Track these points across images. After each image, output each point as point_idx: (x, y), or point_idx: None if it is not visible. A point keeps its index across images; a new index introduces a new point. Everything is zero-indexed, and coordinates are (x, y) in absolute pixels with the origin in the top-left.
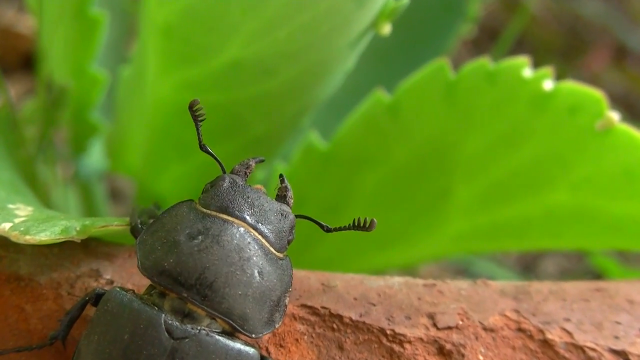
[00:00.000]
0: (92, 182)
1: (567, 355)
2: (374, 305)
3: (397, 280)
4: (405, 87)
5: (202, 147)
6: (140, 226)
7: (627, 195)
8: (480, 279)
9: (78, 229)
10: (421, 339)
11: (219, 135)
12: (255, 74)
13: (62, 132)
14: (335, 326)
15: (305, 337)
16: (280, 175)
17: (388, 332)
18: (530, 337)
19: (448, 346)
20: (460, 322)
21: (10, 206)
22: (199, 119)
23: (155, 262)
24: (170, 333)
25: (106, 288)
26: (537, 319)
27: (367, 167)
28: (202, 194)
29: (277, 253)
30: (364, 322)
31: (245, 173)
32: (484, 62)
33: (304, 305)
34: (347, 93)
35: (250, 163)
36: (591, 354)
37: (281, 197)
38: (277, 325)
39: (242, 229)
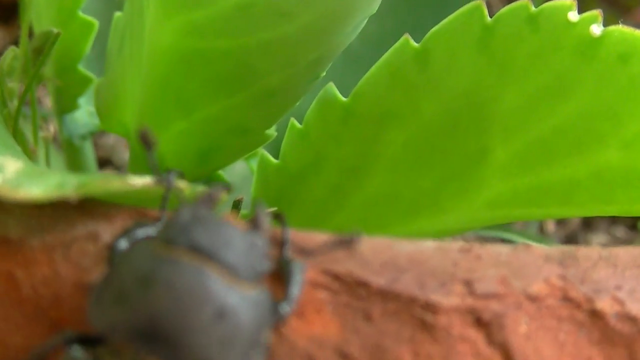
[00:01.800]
0: (79, 143)
1: (618, 326)
2: (405, 271)
3: (429, 244)
4: (434, 33)
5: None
6: (113, 260)
7: None
8: (522, 243)
9: (75, 184)
10: (457, 308)
11: (227, 87)
12: (268, 17)
13: (44, 88)
14: (361, 294)
15: (328, 306)
16: (255, 201)
17: (420, 300)
18: (578, 306)
19: (486, 316)
20: (500, 290)
21: (0, 158)
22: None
23: (105, 316)
24: None
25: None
26: (586, 287)
27: (393, 124)
28: (159, 231)
29: (245, 287)
30: (393, 290)
31: (210, 201)
32: (525, 3)
33: (326, 271)
34: (367, 44)
35: (214, 193)
36: None
37: (253, 224)
38: None
39: (199, 268)
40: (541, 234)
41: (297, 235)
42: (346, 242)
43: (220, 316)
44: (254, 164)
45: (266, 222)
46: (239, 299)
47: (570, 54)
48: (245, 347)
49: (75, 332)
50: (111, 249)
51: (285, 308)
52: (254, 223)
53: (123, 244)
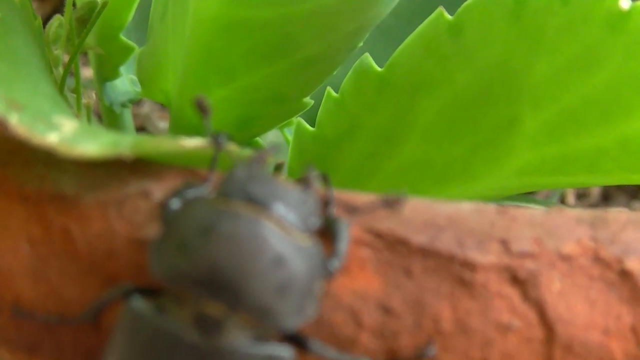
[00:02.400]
0: (120, 110)
1: None
2: (444, 230)
3: (467, 205)
4: (468, 6)
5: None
6: (167, 217)
7: None
8: (555, 206)
9: (129, 144)
10: (494, 266)
11: (268, 56)
12: None
13: (84, 57)
14: (402, 252)
15: (371, 263)
16: (308, 167)
17: (459, 258)
18: (608, 266)
19: (522, 274)
20: (535, 249)
21: (56, 119)
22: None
23: (167, 266)
24: (196, 350)
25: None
26: (616, 248)
27: (426, 94)
28: (217, 186)
29: (299, 239)
30: (433, 248)
31: (261, 162)
32: None
33: (368, 229)
34: (400, 18)
35: (262, 155)
36: None
37: (303, 181)
38: (309, 314)
39: (256, 218)
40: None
41: (342, 194)
42: (392, 203)
43: (278, 263)
44: (288, 133)
45: (316, 181)
46: (294, 248)
47: (599, 26)
48: (300, 296)
49: (132, 284)
50: (164, 207)
51: (335, 264)
52: (304, 182)
53: (176, 202)
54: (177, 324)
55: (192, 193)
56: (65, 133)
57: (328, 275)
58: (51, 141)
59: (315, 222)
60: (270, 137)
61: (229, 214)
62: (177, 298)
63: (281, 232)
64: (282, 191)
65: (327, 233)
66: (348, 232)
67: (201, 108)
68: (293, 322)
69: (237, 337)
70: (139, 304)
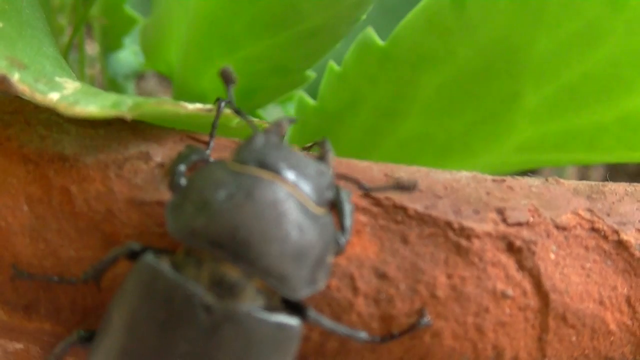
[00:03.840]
0: (123, 82)
1: None
2: (440, 198)
3: (464, 174)
4: None
5: (232, 106)
6: (178, 181)
7: None
8: (552, 177)
9: (130, 104)
10: (490, 234)
11: (271, 27)
12: None
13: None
14: (399, 218)
15: (368, 228)
16: (323, 139)
17: (455, 225)
18: (605, 237)
19: (518, 242)
20: (531, 219)
21: (58, 79)
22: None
23: (186, 225)
24: (209, 311)
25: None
26: (612, 219)
27: (428, 68)
28: (234, 153)
29: (315, 209)
30: (429, 215)
31: (279, 131)
32: None
33: (366, 196)
34: None
35: (283, 122)
36: None
37: (320, 158)
38: (322, 285)
39: (277, 184)
40: None
41: (352, 164)
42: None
43: (298, 231)
44: (290, 108)
45: (331, 154)
46: (312, 218)
47: (601, 2)
48: (315, 265)
49: (139, 243)
50: (173, 171)
51: (342, 239)
52: (320, 155)
53: (182, 167)
54: (192, 282)
55: (197, 157)
56: (67, 92)
57: (338, 249)
58: (52, 99)
59: (329, 195)
60: (274, 115)
61: (252, 179)
62: (193, 258)
63: (301, 201)
64: (299, 161)
65: (333, 204)
66: (351, 204)
67: (226, 78)
68: (305, 291)
69: (251, 303)
70: (155, 260)
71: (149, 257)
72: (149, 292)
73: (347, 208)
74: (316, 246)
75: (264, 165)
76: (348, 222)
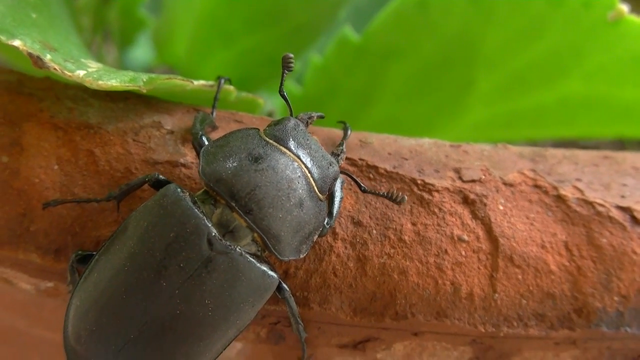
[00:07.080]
0: None
1: (578, 209)
2: (406, 159)
3: (427, 140)
4: None
5: (281, 92)
6: (201, 136)
7: (636, 82)
8: (501, 143)
9: (145, 79)
10: (448, 189)
11: (263, 23)
12: None
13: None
14: (371, 176)
15: (345, 184)
16: (342, 144)
17: (419, 182)
18: (546, 192)
19: (472, 196)
20: (483, 177)
21: (83, 60)
22: (289, 69)
23: (216, 171)
24: (210, 244)
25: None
26: (552, 178)
27: (397, 60)
28: (267, 127)
29: (319, 194)
30: (397, 173)
31: (308, 122)
32: None
33: (346, 159)
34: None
35: (313, 115)
36: (600, 209)
37: (334, 155)
38: (302, 255)
39: (296, 164)
40: None
41: (330, 134)
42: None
43: (302, 206)
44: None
45: (344, 156)
46: (315, 200)
47: (543, 1)
48: (304, 238)
49: (161, 175)
50: (197, 135)
51: (330, 223)
52: (334, 153)
53: (202, 125)
54: (204, 218)
55: (209, 120)
56: (91, 70)
57: (323, 231)
58: (79, 75)
59: (332, 186)
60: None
61: (278, 154)
62: (210, 199)
63: (310, 184)
64: (318, 152)
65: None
66: (342, 192)
67: (286, 64)
68: (290, 256)
69: (246, 248)
70: (180, 190)
71: (174, 185)
72: (167, 214)
73: (338, 196)
74: (310, 223)
75: (290, 145)
76: (336, 209)
